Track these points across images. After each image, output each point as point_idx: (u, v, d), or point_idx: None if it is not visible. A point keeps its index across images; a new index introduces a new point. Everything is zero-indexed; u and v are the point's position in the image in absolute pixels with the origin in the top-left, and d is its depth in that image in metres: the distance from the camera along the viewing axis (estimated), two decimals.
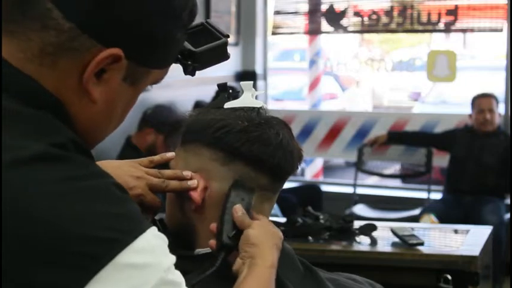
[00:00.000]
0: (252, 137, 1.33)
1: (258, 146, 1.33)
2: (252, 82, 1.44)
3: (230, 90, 1.43)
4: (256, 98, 1.41)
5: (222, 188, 1.34)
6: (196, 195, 1.35)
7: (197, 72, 1.25)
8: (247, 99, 1.40)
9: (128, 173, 1.37)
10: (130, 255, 0.96)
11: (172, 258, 1.03)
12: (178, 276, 1.04)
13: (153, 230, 1.01)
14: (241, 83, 1.42)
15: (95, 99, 1.04)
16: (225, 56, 1.28)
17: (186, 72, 1.22)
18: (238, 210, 1.32)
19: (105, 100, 1.05)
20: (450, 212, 5.10)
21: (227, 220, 1.32)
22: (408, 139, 5.69)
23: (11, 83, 1.01)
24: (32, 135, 0.98)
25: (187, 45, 1.20)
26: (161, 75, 1.12)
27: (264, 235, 1.31)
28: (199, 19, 1.21)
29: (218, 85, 1.44)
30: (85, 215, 0.95)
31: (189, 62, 1.21)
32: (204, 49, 1.23)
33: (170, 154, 1.44)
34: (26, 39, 1.02)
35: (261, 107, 1.39)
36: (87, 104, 1.05)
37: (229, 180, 1.34)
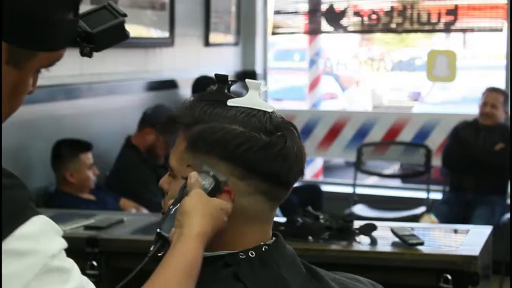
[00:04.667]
0: (273, 154, 1.32)
1: (278, 162, 1.33)
2: (260, 82, 1.41)
3: (230, 82, 1.40)
4: (259, 95, 1.38)
5: (240, 202, 1.33)
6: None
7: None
8: (254, 99, 1.37)
9: None
10: (12, 242, 0.97)
11: (61, 244, 1.03)
12: (68, 263, 1.04)
13: (39, 218, 1.02)
14: (248, 81, 1.39)
15: None
16: (123, 36, 1.25)
17: (82, 53, 1.19)
18: (192, 176, 1.31)
19: None
20: (452, 212, 5.12)
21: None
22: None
23: None
24: None
25: (83, 26, 1.17)
26: (53, 58, 1.10)
27: (198, 203, 1.29)
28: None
29: (217, 76, 1.40)
30: None
31: (85, 44, 1.18)
32: (101, 29, 1.20)
33: None
34: None
35: (272, 112, 1.37)
36: None
37: (247, 194, 1.33)
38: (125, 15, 1.24)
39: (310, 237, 2.90)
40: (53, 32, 1.08)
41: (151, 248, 1.29)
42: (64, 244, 1.04)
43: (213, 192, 1.32)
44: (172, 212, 1.31)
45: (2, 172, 1.02)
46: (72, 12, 1.10)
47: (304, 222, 2.93)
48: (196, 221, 1.26)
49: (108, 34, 1.21)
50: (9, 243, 0.97)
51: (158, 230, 1.29)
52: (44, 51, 1.08)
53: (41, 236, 1.01)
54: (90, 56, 1.19)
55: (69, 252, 1.15)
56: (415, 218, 5.19)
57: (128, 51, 5.05)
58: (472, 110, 5.53)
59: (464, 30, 6.11)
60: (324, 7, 6.13)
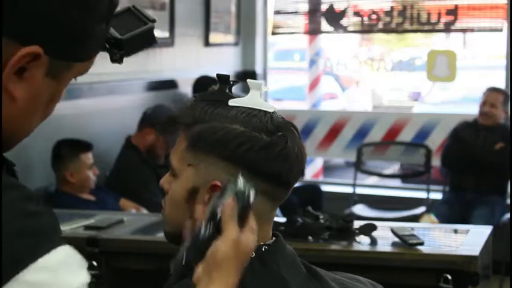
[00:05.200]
0: (274, 155, 1.32)
1: (278, 163, 1.33)
2: (261, 82, 1.41)
3: (231, 82, 1.40)
4: (260, 96, 1.38)
5: None
6: None
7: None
8: (255, 99, 1.37)
9: None
10: (32, 273, 0.94)
11: (83, 279, 0.99)
12: None
13: (63, 249, 0.98)
14: (249, 81, 1.39)
15: (16, 97, 1.01)
16: (152, 41, 1.24)
17: (112, 60, 1.19)
18: (228, 207, 1.21)
19: (27, 98, 1.03)
20: (452, 212, 5.12)
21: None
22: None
23: None
24: None
25: (113, 32, 1.16)
26: (87, 67, 1.11)
27: (231, 255, 1.20)
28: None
29: (219, 76, 1.40)
30: None
31: (115, 50, 1.18)
32: (130, 36, 1.19)
33: None
34: None
35: (273, 112, 1.37)
36: (8, 102, 1.01)
37: None
38: (154, 20, 1.23)
39: (310, 237, 2.90)
40: (91, 43, 1.08)
41: (171, 271, 1.23)
42: (86, 279, 1.00)
43: (242, 217, 1.22)
44: (201, 239, 1.21)
45: (30, 198, 0.99)
46: (105, 21, 1.10)
47: (304, 222, 2.93)
48: (226, 277, 1.20)
49: (137, 40, 1.20)
50: (26, 274, 0.94)
51: (187, 259, 1.21)
52: (80, 62, 1.09)
53: (61, 268, 0.97)
54: (120, 62, 1.19)
55: None
56: (415, 218, 5.19)
57: None
58: (472, 110, 5.53)
59: (464, 30, 6.11)
60: (324, 7, 6.14)
